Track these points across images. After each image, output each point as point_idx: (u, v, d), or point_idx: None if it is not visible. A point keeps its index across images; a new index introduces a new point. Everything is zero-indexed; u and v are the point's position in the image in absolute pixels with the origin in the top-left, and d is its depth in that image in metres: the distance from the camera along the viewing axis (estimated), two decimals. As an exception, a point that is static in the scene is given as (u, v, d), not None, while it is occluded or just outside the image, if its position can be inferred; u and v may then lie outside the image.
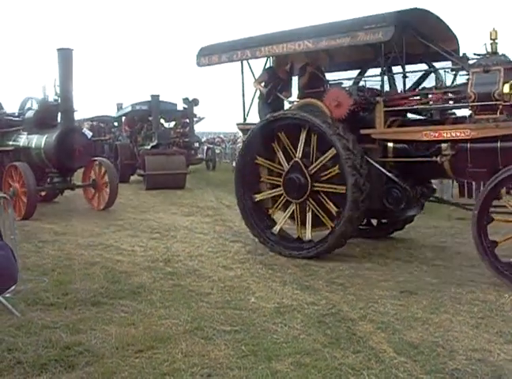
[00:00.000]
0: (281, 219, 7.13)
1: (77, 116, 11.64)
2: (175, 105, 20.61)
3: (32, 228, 8.80)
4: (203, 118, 24.77)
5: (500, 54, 5.68)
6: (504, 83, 5.40)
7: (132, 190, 14.98)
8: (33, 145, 10.75)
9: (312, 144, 6.64)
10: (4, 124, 11.80)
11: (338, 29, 6.38)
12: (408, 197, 6.42)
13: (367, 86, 6.89)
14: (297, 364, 3.55)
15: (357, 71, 7.87)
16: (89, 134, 11.20)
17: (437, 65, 6.96)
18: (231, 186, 14.37)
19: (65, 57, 10.16)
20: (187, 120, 21.30)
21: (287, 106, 7.54)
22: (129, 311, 4.62)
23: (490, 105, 5.52)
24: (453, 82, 6.52)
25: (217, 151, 28.50)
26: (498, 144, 5.61)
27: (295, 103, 7.38)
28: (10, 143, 11.47)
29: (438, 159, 6.03)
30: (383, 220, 7.89)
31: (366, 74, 7.66)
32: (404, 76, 7.19)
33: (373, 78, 7.12)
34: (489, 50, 5.68)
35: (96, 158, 11.30)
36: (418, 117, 6.92)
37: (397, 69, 7.21)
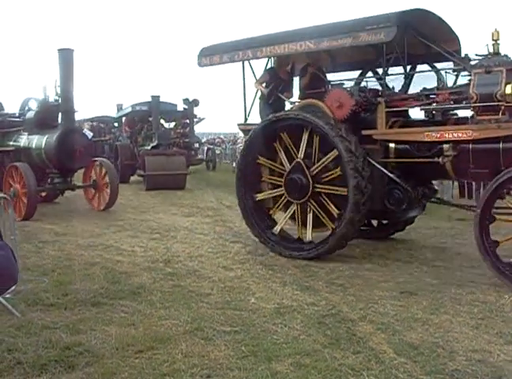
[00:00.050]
0: (282, 220, 7.13)
1: (77, 116, 11.63)
2: (175, 106, 20.61)
3: (33, 228, 8.81)
4: (203, 119, 24.77)
5: (502, 54, 5.68)
6: (506, 84, 5.39)
7: (132, 191, 14.98)
8: (34, 146, 10.74)
9: (314, 145, 6.62)
10: (4, 124, 11.79)
11: (340, 30, 6.38)
12: (409, 197, 6.41)
13: (369, 86, 6.89)
14: (297, 365, 3.55)
15: (358, 72, 7.87)
16: (90, 135, 11.20)
17: (439, 65, 6.95)
18: (231, 187, 14.39)
19: (65, 57, 10.15)
20: (187, 120, 21.28)
21: (288, 106, 7.53)
22: (129, 311, 4.62)
23: (492, 106, 5.52)
24: (454, 83, 6.51)
25: (217, 151, 28.48)
26: (501, 145, 5.61)
27: (297, 103, 7.37)
28: (11, 143, 11.45)
29: (440, 159, 6.02)
30: (384, 221, 7.88)
31: (367, 75, 7.67)
32: (406, 77, 7.19)
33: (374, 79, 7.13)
34: (491, 50, 5.68)
35: (96, 158, 11.31)
36: (419, 117, 6.91)
37: (398, 69, 7.20)
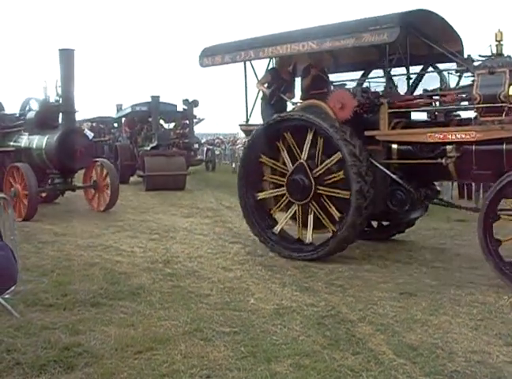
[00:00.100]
0: (282, 220, 7.11)
1: (77, 117, 11.60)
2: (175, 106, 20.61)
3: (32, 229, 8.80)
4: (203, 120, 24.78)
5: (506, 55, 5.66)
6: (510, 85, 5.38)
7: (132, 191, 14.98)
8: (34, 146, 10.73)
9: (318, 146, 6.59)
10: (5, 124, 11.78)
11: (343, 30, 6.35)
12: (412, 198, 6.40)
13: (371, 87, 6.88)
14: (296, 365, 3.55)
15: (360, 72, 7.86)
16: (91, 135, 11.23)
17: (441, 66, 6.94)
18: (230, 187, 14.46)
19: (66, 57, 10.14)
20: (187, 121, 21.29)
21: (290, 107, 7.51)
22: (129, 312, 4.62)
23: (495, 107, 5.50)
24: (457, 84, 6.50)
25: (217, 152, 28.49)
26: (504, 147, 5.60)
27: (298, 104, 7.35)
28: (11, 143, 11.44)
29: (443, 161, 6.00)
30: (384, 222, 7.86)
31: (369, 75, 7.66)
32: (409, 78, 7.18)
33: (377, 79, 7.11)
34: (494, 51, 5.66)
35: (97, 159, 11.30)
36: (422, 118, 6.89)
37: (400, 70, 7.20)
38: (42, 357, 3.64)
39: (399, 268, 6.20)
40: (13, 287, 3.59)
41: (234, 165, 24.15)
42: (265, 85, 7.56)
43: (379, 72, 7.33)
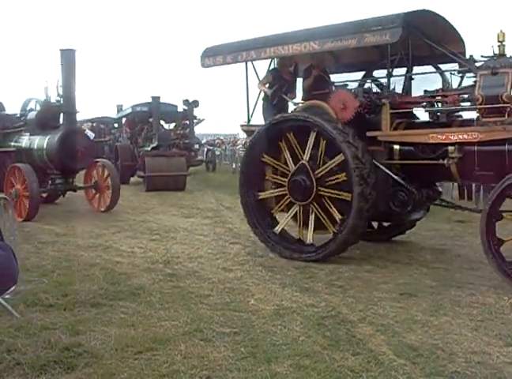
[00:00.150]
0: (283, 220, 7.10)
1: (78, 117, 11.59)
2: (176, 106, 20.62)
3: (32, 229, 8.81)
4: (203, 120, 24.78)
5: (508, 56, 5.66)
6: None
7: (132, 192, 14.98)
8: (35, 146, 10.71)
9: (320, 148, 6.57)
10: (6, 125, 11.77)
11: (345, 30, 6.34)
12: (414, 199, 6.38)
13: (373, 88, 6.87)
14: (296, 366, 3.55)
15: (361, 73, 7.85)
16: (92, 135, 11.19)
17: (443, 67, 6.92)
18: (230, 188, 14.47)
19: (68, 57, 10.13)
20: (187, 122, 21.30)
21: (291, 107, 7.49)
22: (129, 312, 4.62)
23: (498, 108, 5.50)
24: (459, 84, 6.49)
25: (217, 152, 28.51)
26: (506, 147, 5.59)
27: (300, 104, 7.34)
28: (12, 144, 11.43)
29: (445, 161, 5.99)
30: (385, 224, 7.84)
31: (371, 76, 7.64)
32: (410, 78, 7.18)
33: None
34: (496, 52, 5.65)
35: (98, 160, 11.30)
36: (424, 119, 6.88)
37: (402, 70, 7.19)
38: (42, 357, 3.65)
39: (399, 269, 6.20)
40: (13, 287, 3.59)
41: (234, 165, 24.16)
42: (267, 86, 7.56)
43: (380, 72, 7.33)
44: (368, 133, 6.45)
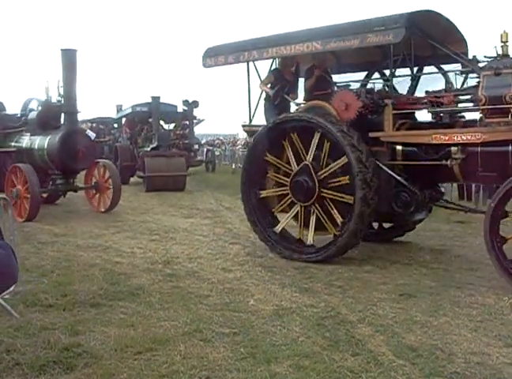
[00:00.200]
0: (284, 219, 7.08)
1: (78, 117, 11.57)
2: (175, 107, 20.62)
3: (32, 229, 8.81)
4: (203, 120, 24.79)
5: (511, 56, 5.65)
6: None
7: (131, 192, 14.98)
8: (36, 146, 10.70)
9: (324, 149, 6.54)
10: (6, 125, 11.76)
11: (347, 31, 6.32)
12: (417, 200, 6.36)
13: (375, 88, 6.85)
14: (296, 366, 3.55)
15: (363, 73, 7.84)
16: (93, 136, 11.17)
17: (446, 67, 6.91)
18: (230, 188, 14.47)
19: (69, 57, 10.12)
20: (187, 122, 21.31)
21: (293, 108, 7.46)
22: (128, 313, 4.62)
23: (501, 108, 5.48)
24: (462, 85, 6.47)
25: (217, 153, 28.53)
26: (510, 148, 5.58)
27: (302, 105, 7.32)
28: (13, 144, 11.42)
29: (448, 162, 5.97)
30: (384, 225, 7.82)
31: (373, 76, 7.64)
32: (413, 79, 7.17)
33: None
34: (500, 52, 5.64)
35: (99, 160, 11.29)
36: (427, 120, 6.86)
37: (404, 71, 7.18)
38: (41, 357, 3.64)
39: (399, 270, 6.20)
40: (12, 287, 3.59)
41: (234, 166, 24.19)
42: (268, 86, 7.55)
43: (384, 72, 7.31)
44: (371, 134, 6.42)
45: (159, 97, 18.01)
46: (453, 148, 5.96)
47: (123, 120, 21.66)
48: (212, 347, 3.86)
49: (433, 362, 3.62)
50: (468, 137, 5.73)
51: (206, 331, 4.17)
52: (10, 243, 4.22)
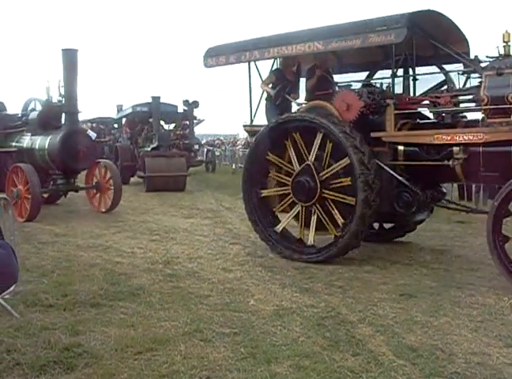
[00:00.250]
0: (285, 219, 7.07)
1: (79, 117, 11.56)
2: (176, 107, 20.62)
3: (32, 229, 8.81)
4: (203, 120, 24.81)
5: None
6: None
7: (132, 192, 14.97)
8: (37, 146, 10.69)
9: (327, 150, 6.52)
10: (7, 125, 11.76)
11: (349, 30, 6.30)
12: (418, 200, 6.34)
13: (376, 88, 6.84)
14: (296, 367, 3.55)
15: (364, 73, 7.83)
16: (94, 136, 11.18)
17: (447, 67, 6.90)
18: (230, 188, 14.48)
19: (70, 57, 10.11)
20: (187, 122, 21.32)
21: (294, 108, 7.45)
22: (129, 313, 4.62)
23: (503, 108, 5.47)
24: (464, 85, 6.46)
25: (217, 153, 28.53)
26: None
27: (304, 105, 7.31)
28: (14, 144, 11.41)
29: (450, 162, 5.96)
30: (385, 226, 7.82)
31: (374, 76, 7.63)
32: (415, 79, 7.15)
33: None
34: (502, 52, 5.63)
35: (100, 160, 11.29)
36: (429, 120, 6.82)
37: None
38: (42, 357, 3.64)
39: (399, 270, 6.20)
40: (13, 287, 3.59)
41: (234, 166, 24.19)
42: (270, 86, 7.54)
43: (384, 72, 7.30)
44: (373, 134, 6.42)
45: (159, 97, 18.02)
46: (455, 148, 5.94)
47: (123, 120, 21.66)
48: (212, 347, 3.86)
49: (433, 362, 3.62)
50: (471, 137, 5.72)
51: (206, 331, 4.17)
52: (11, 243, 4.22)
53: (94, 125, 25.69)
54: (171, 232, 8.68)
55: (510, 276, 5.24)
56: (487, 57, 5.79)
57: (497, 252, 5.31)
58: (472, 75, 6.22)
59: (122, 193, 10.89)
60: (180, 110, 20.88)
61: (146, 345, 3.87)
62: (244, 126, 8.03)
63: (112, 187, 10.75)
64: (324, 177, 6.53)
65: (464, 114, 6.45)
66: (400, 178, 6.38)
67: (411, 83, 7.25)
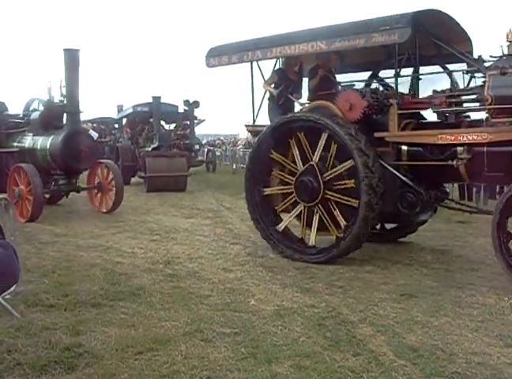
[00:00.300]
0: (287, 218, 7.07)
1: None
2: (176, 107, 20.60)
3: (33, 229, 8.81)
4: (203, 120, 24.81)
5: None
6: None
7: (132, 192, 14.96)
8: (39, 147, 10.68)
9: (331, 151, 6.50)
10: (8, 125, 11.75)
11: (352, 30, 6.28)
12: (422, 200, 6.32)
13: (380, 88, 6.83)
14: (297, 367, 3.55)
15: (367, 72, 7.82)
16: (95, 136, 11.16)
17: (451, 67, 6.87)
18: (231, 188, 14.49)
19: (71, 57, 10.11)
20: (188, 122, 21.31)
21: (297, 107, 7.43)
22: (129, 313, 4.62)
23: (507, 108, 5.45)
24: (468, 84, 6.45)
25: (218, 153, 28.52)
26: None
27: (306, 104, 7.29)
28: (15, 144, 11.39)
29: (454, 162, 5.94)
30: (386, 226, 7.81)
31: (377, 76, 7.62)
32: (418, 78, 7.15)
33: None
34: (506, 52, 5.62)
35: (102, 160, 11.28)
36: (432, 120, 6.78)
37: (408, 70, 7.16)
38: (43, 357, 3.65)
39: (399, 270, 6.20)
40: (13, 287, 3.59)
41: (234, 166, 24.20)
42: (272, 86, 7.53)
43: (387, 72, 7.30)
44: (376, 134, 6.40)
45: (160, 97, 18.01)
46: (459, 148, 5.92)
47: (124, 120, 21.64)
48: (213, 347, 3.86)
49: (434, 362, 3.62)
50: (475, 137, 5.69)
51: (207, 331, 4.17)
52: (11, 243, 4.23)
53: (95, 125, 25.69)
54: (172, 232, 8.68)
55: (511, 273, 5.23)
56: (490, 56, 5.78)
57: (500, 248, 5.30)
58: (476, 74, 6.21)
59: (123, 194, 10.88)
60: (181, 110, 20.87)
61: (147, 345, 3.87)
62: (246, 126, 8.02)
63: (114, 188, 10.74)
64: (327, 178, 6.51)
65: (468, 113, 6.44)
66: (403, 178, 6.36)
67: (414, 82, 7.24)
